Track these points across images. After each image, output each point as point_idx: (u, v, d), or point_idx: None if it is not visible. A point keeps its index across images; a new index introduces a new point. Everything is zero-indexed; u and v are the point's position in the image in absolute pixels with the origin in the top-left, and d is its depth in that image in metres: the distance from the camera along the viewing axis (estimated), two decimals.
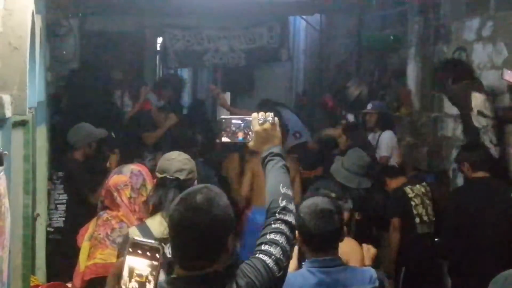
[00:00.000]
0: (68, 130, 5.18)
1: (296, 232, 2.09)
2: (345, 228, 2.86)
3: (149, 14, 8.00)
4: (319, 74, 9.34)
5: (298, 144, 6.66)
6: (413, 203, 4.92)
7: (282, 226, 1.99)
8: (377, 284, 2.72)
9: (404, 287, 4.88)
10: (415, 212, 4.91)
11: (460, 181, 5.36)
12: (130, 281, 1.49)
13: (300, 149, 6.40)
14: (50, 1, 5.31)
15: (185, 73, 10.66)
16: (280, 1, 7.23)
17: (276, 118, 2.19)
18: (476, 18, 5.45)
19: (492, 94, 5.00)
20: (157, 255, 1.50)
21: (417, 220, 4.91)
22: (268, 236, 1.97)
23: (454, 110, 5.57)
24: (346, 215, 3.72)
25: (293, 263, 2.58)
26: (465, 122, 5.12)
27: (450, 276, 4.90)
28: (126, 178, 3.22)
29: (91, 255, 3.11)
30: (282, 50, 8.70)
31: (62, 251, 4.57)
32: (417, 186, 5.03)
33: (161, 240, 2.61)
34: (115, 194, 3.18)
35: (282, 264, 1.93)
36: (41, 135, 4.76)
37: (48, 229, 4.91)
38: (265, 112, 2.19)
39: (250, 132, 2.18)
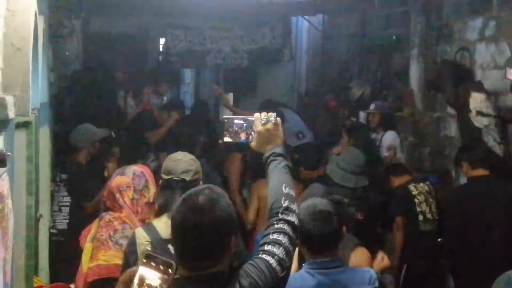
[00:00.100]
0: (71, 131, 5.19)
1: None
2: (344, 228, 2.85)
3: (151, 15, 8.01)
4: (322, 75, 9.34)
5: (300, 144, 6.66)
6: (416, 200, 4.91)
7: (285, 226, 1.99)
8: (377, 284, 2.71)
9: (405, 284, 4.86)
10: (418, 209, 4.90)
11: (463, 181, 5.35)
12: None
13: (302, 149, 6.39)
14: (53, 2, 5.32)
15: (188, 74, 10.68)
16: (283, 2, 7.23)
17: (278, 118, 2.19)
18: (478, 18, 5.44)
19: (493, 94, 5.00)
20: (170, 271, 1.53)
21: (421, 217, 4.90)
22: (271, 236, 1.97)
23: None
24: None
25: (293, 264, 2.58)
26: (463, 123, 5.13)
27: (453, 276, 4.89)
28: (128, 179, 3.21)
29: (94, 256, 3.10)
30: (285, 51, 8.70)
31: (65, 252, 4.58)
32: (421, 184, 5.03)
33: (168, 241, 2.61)
34: (118, 195, 3.18)
35: (285, 264, 1.93)
36: (44, 136, 4.77)
37: (51, 230, 4.93)
38: (268, 112, 2.19)
39: (252, 132, 2.19)
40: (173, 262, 1.54)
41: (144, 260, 1.54)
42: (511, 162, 4.91)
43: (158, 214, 2.94)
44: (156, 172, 3.58)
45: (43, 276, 4.51)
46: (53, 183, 5.08)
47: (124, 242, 2.97)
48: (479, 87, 5.05)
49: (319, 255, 2.70)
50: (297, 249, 2.54)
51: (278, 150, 2.16)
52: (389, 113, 6.51)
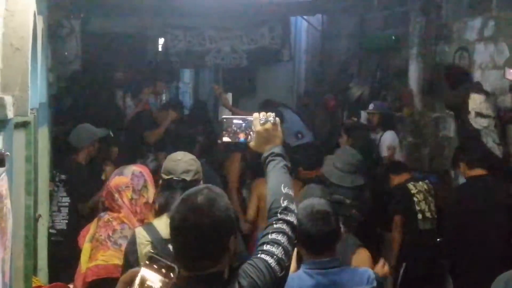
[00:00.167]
0: (70, 131, 5.19)
1: None
2: (342, 228, 2.84)
3: (150, 15, 8.00)
4: (321, 75, 9.34)
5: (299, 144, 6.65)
6: (415, 199, 4.91)
7: (284, 226, 1.99)
8: (375, 284, 2.71)
9: (404, 283, 4.86)
10: (417, 208, 4.90)
11: (462, 181, 5.34)
12: None
13: (301, 149, 6.39)
14: (52, 2, 5.32)
15: (187, 74, 10.68)
16: (282, 2, 7.23)
17: (277, 118, 2.19)
18: (478, 18, 5.45)
19: (493, 94, 5.00)
20: (172, 275, 1.53)
21: (420, 216, 4.90)
22: (270, 236, 1.97)
23: None
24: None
25: (292, 265, 2.58)
26: (461, 125, 5.14)
27: (452, 276, 4.89)
28: (127, 179, 3.21)
29: (92, 256, 3.10)
30: (284, 51, 8.71)
31: (64, 253, 4.58)
32: (420, 182, 5.03)
33: (168, 241, 2.61)
34: (116, 195, 3.17)
35: (284, 264, 1.93)
36: (43, 136, 4.77)
37: (50, 231, 4.92)
38: (267, 112, 2.19)
39: (251, 132, 2.19)
40: (175, 267, 1.54)
41: (147, 262, 1.54)
42: (510, 162, 4.91)
43: (158, 214, 2.93)
44: (155, 172, 3.58)
45: (42, 276, 4.51)
46: (52, 183, 5.08)
47: (123, 242, 2.97)
48: (478, 89, 5.06)
49: (318, 255, 2.69)
50: (295, 248, 2.55)
51: (277, 150, 2.16)
52: (389, 113, 6.51)
